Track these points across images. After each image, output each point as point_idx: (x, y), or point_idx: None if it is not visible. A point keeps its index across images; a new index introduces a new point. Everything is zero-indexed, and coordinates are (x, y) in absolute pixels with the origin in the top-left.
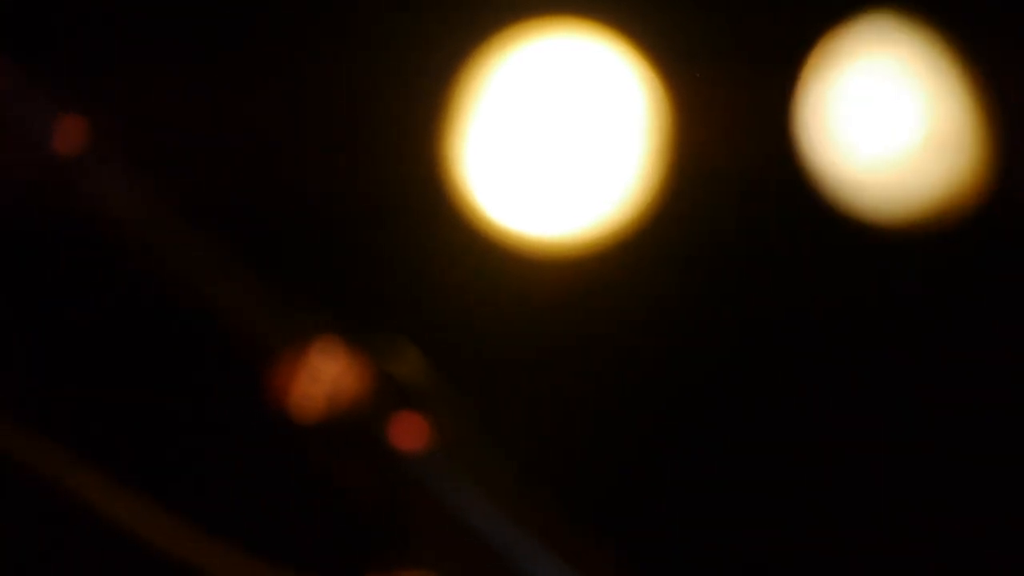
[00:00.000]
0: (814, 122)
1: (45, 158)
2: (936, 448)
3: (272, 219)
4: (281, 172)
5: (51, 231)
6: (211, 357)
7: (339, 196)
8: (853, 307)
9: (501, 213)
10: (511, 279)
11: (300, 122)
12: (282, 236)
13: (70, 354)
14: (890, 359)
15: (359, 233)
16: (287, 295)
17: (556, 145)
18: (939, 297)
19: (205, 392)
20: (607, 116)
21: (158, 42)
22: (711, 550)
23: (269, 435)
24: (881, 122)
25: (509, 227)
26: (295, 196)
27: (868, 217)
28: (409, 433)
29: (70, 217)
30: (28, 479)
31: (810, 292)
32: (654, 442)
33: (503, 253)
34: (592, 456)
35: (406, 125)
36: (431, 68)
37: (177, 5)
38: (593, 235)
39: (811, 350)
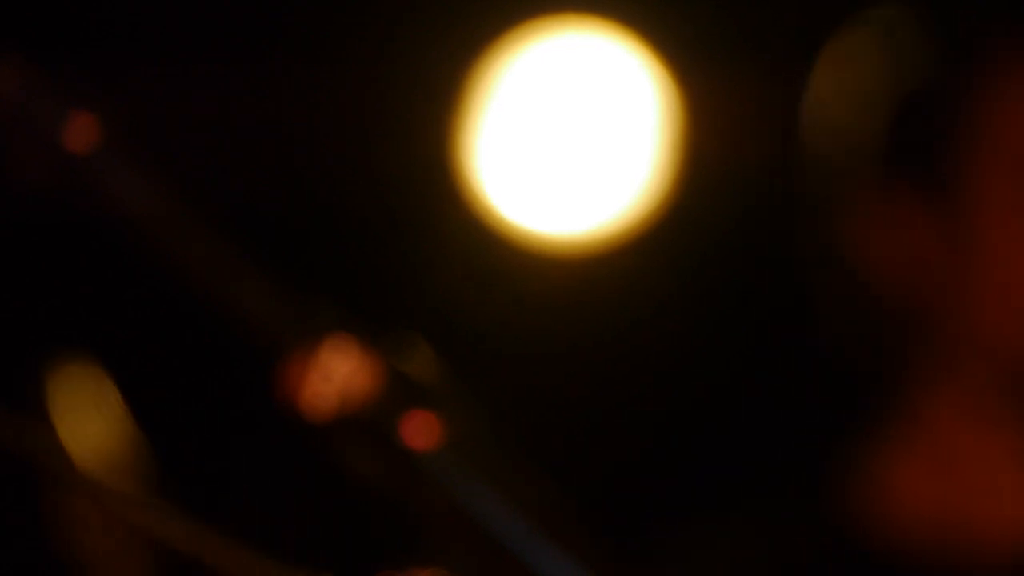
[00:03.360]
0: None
1: (58, 156)
2: None
3: (284, 218)
4: (293, 171)
5: (63, 229)
6: (223, 355)
7: (350, 195)
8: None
9: (513, 211)
10: (522, 277)
11: (312, 121)
12: (294, 235)
13: (81, 352)
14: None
15: (370, 231)
16: (299, 293)
17: (567, 143)
18: None
19: (217, 390)
20: (618, 114)
21: (170, 40)
22: (715, 546)
23: (282, 433)
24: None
25: (521, 225)
26: (306, 195)
27: None
28: (421, 431)
29: (83, 215)
30: (39, 477)
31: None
32: (664, 440)
33: (515, 251)
34: (603, 453)
35: (418, 123)
36: (443, 66)
37: (190, 3)
38: (605, 233)
39: (820, 350)
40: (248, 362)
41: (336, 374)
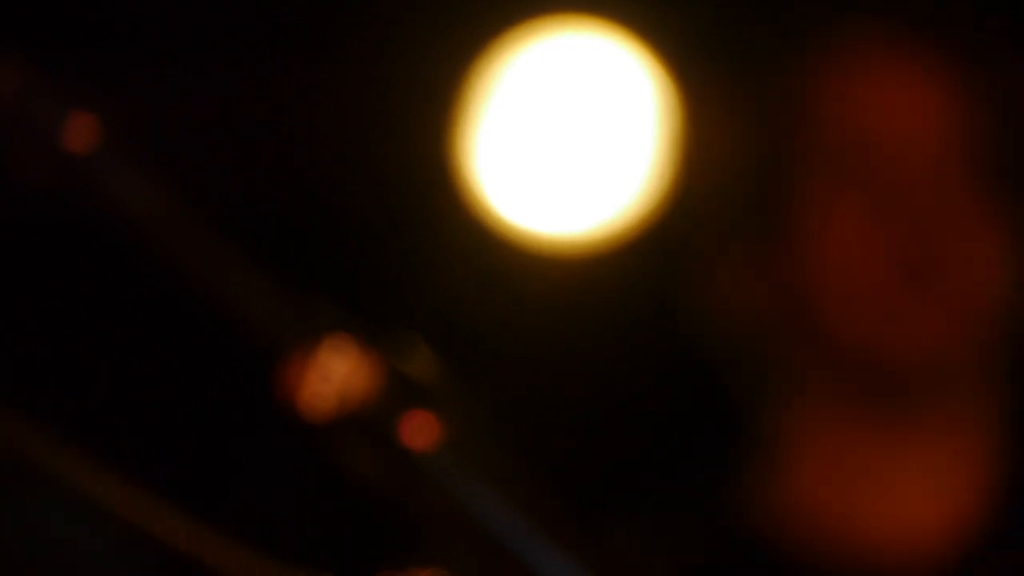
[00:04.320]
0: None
1: (58, 156)
2: None
3: (283, 218)
4: (293, 171)
5: (63, 229)
6: (222, 355)
7: (349, 194)
8: None
9: (512, 211)
10: (522, 277)
11: (311, 121)
12: (293, 234)
13: (82, 352)
14: None
15: (370, 231)
16: (298, 293)
17: (567, 143)
18: None
19: (217, 390)
20: (618, 114)
21: (170, 40)
22: (714, 546)
23: (282, 433)
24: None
25: (520, 225)
26: (306, 194)
27: None
28: (420, 431)
29: (82, 215)
30: (38, 477)
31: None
32: (664, 440)
33: (515, 251)
34: (603, 453)
35: (417, 123)
36: (443, 66)
37: (190, 3)
38: (604, 233)
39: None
40: (248, 362)
41: (335, 374)
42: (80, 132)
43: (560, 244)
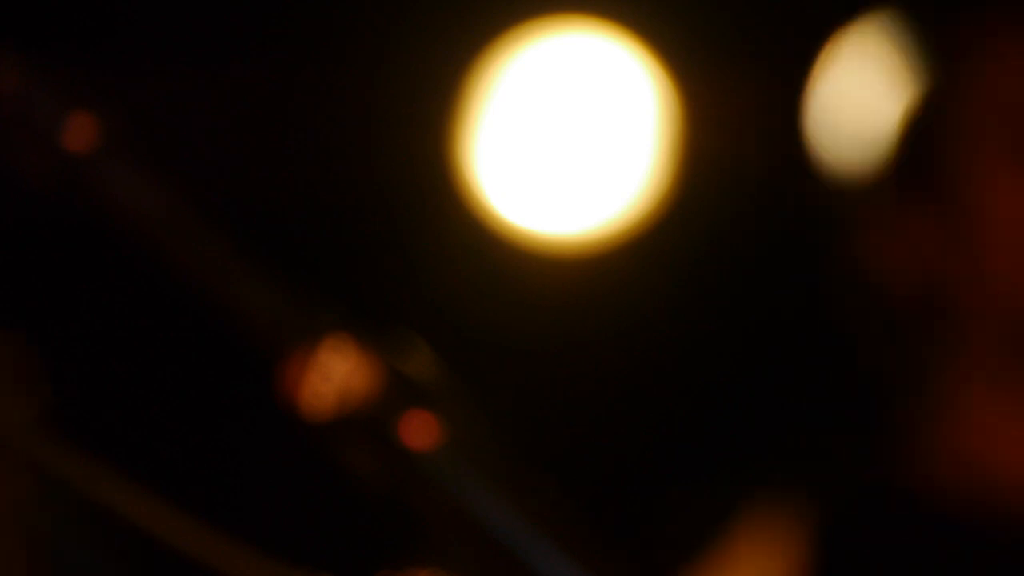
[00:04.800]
0: (825, 122)
1: (57, 156)
2: None
3: (283, 217)
4: (292, 171)
5: (62, 229)
6: (222, 355)
7: (350, 194)
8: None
9: (512, 211)
10: (521, 277)
11: (311, 120)
12: (293, 234)
13: (80, 352)
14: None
15: (370, 231)
16: (298, 293)
17: (567, 143)
18: None
19: (216, 390)
20: (618, 114)
21: (170, 40)
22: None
23: (282, 433)
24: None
25: (520, 225)
26: (306, 194)
27: None
28: (419, 431)
29: (82, 215)
30: (39, 478)
31: (819, 291)
32: (664, 439)
33: (514, 251)
34: (603, 453)
35: (417, 123)
36: (442, 65)
37: (190, 3)
38: (604, 233)
39: (819, 349)
40: (248, 362)
41: (335, 374)
42: (80, 132)
43: (560, 244)
